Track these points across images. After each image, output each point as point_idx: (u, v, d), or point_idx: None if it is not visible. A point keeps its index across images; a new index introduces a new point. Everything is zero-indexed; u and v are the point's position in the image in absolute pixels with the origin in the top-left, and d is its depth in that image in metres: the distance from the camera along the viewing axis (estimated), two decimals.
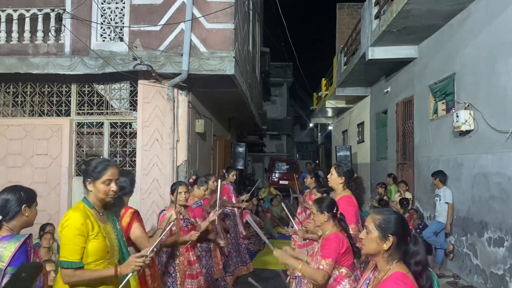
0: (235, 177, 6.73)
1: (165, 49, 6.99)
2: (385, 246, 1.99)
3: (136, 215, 3.23)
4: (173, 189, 4.25)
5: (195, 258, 4.22)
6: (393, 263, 2.00)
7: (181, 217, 4.20)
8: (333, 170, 3.90)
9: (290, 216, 4.83)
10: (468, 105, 6.09)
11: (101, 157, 2.52)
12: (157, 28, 7.03)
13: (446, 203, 6.50)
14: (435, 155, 7.34)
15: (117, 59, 6.91)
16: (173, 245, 4.07)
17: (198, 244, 4.46)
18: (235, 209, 6.75)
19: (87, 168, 2.48)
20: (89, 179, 2.46)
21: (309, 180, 6.39)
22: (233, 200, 6.75)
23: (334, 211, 3.10)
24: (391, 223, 2.01)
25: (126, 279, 2.38)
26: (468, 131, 6.11)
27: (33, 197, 2.54)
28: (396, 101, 9.55)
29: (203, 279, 4.27)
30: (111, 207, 2.66)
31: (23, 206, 2.44)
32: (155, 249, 2.59)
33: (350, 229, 3.24)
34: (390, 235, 1.99)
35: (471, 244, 6.04)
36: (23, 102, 7.66)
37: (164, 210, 4.19)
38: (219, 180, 5.07)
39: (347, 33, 13.77)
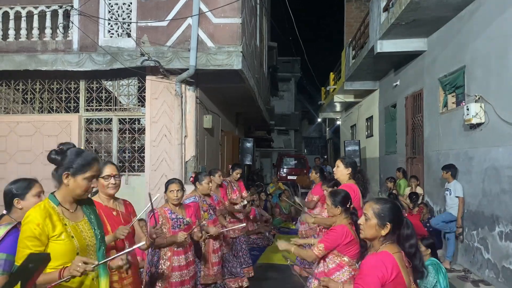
0: (239, 175, 6.57)
1: (172, 44, 6.99)
2: (383, 232, 2.23)
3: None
4: (166, 187, 4.01)
5: (178, 264, 3.87)
6: (385, 244, 2.23)
7: (174, 216, 3.93)
8: (339, 163, 4.07)
9: (301, 205, 4.93)
10: (478, 98, 6.01)
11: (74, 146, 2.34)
12: (164, 23, 7.03)
13: (457, 197, 6.43)
14: (445, 148, 7.27)
15: (124, 55, 6.92)
16: (161, 247, 3.81)
17: (189, 248, 4.06)
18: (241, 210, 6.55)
19: (69, 158, 2.22)
20: (67, 172, 2.19)
21: (314, 175, 6.40)
22: (236, 194, 6.50)
23: (348, 206, 3.33)
24: (389, 211, 2.25)
25: (68, 279, 2.05)
26: (478, 124, 6.03)
27: (24, 188, 2.52)
28: (405, 95, 9.47)
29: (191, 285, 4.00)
30: (88, 203, 2.43)
31: (15, 199, 2.49)
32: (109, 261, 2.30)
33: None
34: (387, 222, 2.22)
35: (482, 238, 5.98)
36: (32, 99, 7.71)
37: (155, 210, 3.75)
38: (214, 176, 5.19)
39: (355, 27, 13.65)
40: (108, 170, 2.98)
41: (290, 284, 5.69)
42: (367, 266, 2.16)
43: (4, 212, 2.59)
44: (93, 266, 2.05)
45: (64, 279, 2.02)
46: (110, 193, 3.01)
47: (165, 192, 4.01)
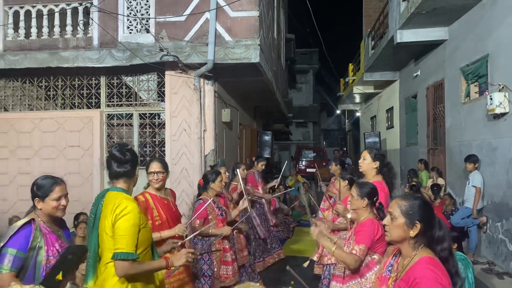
0: (263, 166, 6.73)
1: (190, 39, 7.02)
2: (412, 233, 1.94)
3: None
4: (213, 178, 4.24)
5: (228, 245, 4.27)
6: (419, 248, 1.95)
7: (216, 206, 4.22)
8: (366, 155, 3.72)
9: (316, 205, 4.83)
10: (502, 87, 5.87)
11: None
12: (182, 18, 7.06)
13: (474, 186, 6.32)
14: (468, 139, 7.14)
15: (144, 51, 7.00)
16: (206, 236, 4.11)
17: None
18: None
19: (133, 159, 2.51)
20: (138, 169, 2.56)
21: (334, 167, 6.34)
22: (259, 188, 6.72)
23: (374, 199, 3.05)
24: (418, 209, 1.96)
25: (175, 270, 2.48)
26: (502, 114, 5.90)
27: (45, 191, 2.46)
28: (426, 85, 9.31)
29: (236, 266, 4.35)
30: None
31: (35, 198, 2.48)
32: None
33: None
34: (417, 221, 1.94)
35: (507, 230, 5.87)
36: (55, 95, 7.88)
37: (201, 199, 4.17)
38: (238, 170, 5.13)
39: (374, 17, 13.45)
40: (153, 167, 3.41)
41: (311, 276, 5.70)
42: (429, 282, 1.81)
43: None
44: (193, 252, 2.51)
45: (176, 267, 2.43)
46: (155, 187, 3.44)
47: (211, 181, 4.25)
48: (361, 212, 3.06)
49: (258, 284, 0.99)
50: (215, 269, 4.10)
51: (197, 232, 3.12)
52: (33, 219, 2.40)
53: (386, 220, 2.04)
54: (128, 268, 2.18)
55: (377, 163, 3.66)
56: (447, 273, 1.87)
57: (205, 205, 3.88)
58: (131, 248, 2.19)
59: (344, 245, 3.13)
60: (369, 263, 2.92)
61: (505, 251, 5.91)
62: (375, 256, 2.90)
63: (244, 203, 4.53)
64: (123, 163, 2.42)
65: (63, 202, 2.48)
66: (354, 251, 2.88)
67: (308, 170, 19.25)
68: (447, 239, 1.96)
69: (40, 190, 2.46)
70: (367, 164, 3.69)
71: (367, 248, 2.87)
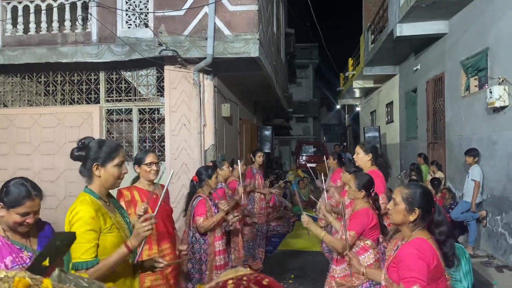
0: (261, 158, 6.64)
1: (189, 33, 7.00)
2: (411, 218, 2.19)
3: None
4: (210, 173, 4.13)
5: (222, 248, 4.09)
6: (416, 230, 2.20)
7: (212, 203, 4.08)
8: (359, 150, 4.00)
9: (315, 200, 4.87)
10: (502, 80, 5.86)
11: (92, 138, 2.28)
12: (181, 12, 7.03)
13: (473, 180, 6.32)
14: (468, 133, 7.13)
15: (143, 46, 6.97)
16: (211, 229, 3.97)
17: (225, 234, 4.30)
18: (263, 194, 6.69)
19: (93, 150, 2.17)
20: (97, 163, 2.15)
21: (332, 161, 6.38)
22: (260, 182, 6.69)
23: (371, 191, 3.27)
24: (417, 197, 2.21)
25: (140, 250, 2.21)
26: (502, 107, 5.89)
27: (13, 201, 2.08)
28: (426, 79, 9.29)
29: (230, 267, 4.22)
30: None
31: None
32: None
33: (380, 199, 3.44)
34: (416, 208, 2.18)
35: (507, 224, 5.88)
36: (54, 91, 7.86)
37: (200, 196, 4.02)
38: (238, 163, 5.15)
39: (373, 10, 13.40)
40: (150, 158, 3.39)
41: (311, 270, 5.73)
42: (410, 257, 2.09)
43: None
44: (152, 221, 2.15)
45: (142, 246, 2.16)
46: (152, 179, 3.42)
47: (209, 177, 4.11)
48: (357, 202, 3.29)
49: (247, 269, 0.99)
50: (206, 274, 3.95)
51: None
52: None
53: (390, 205, 2.31)
54: (91, 274, 1.98)
55: (370, 155, 3.93)
56: (436, 253, 2.11)
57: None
58: (88, 255, 2.00)
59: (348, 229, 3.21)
60: (363, 247, 3.16)
61: (505, 245, 5.92)
62: (368, 242, 3.15)
63: (240, 188, 4.61)
64: (75, 159, 2.19)
65: (29, 219, 2.10)
66: (343, 237, 3.08)
67: (308, 165, 19.25)
68: (445, 224, 2.24)
69: (7, 196, 2.08)
70: (361, 158, 3.98)
71: (357, 235, 3.11)
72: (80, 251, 1.99)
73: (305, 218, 3.34)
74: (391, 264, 2.22)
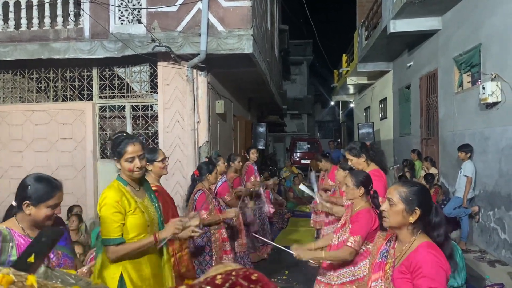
0: (255, 155, 6.72)
1: (182, 29, 6.96)
2: (411, 219, 1.96)
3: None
4: (211, 169, 4.26)
5: (226, 235, 4.29)
6: (417, 234, 1.98)
7: (213, 196, 4.26)
8: (349, 157, 3.78)
9: (312, 188, 4.91)
10: (495, 76, 5.89)
11: (124, 133, 2.58)
12: (174, 8, 6.99)
13: (465, 176, 6.36)
14: (461, 129, 7.17)
15: (136, 42, 6.93)
16: (214, 224, 4.16)
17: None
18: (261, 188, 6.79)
19: (112, 147, 2.52)
20: (115, 158, 2.51)
21: (323, 163, 6.45)
22: (258, 179, 6.72)
23: (369, 188, 3.03)
24: (417, 195, 1.98)
25: (164, 241, 2.51)
26: (495, 103, 5.92)
27: (41, 196, 2.08)
28: (419, 75, 9.32)
29: (234, 254, 4.44)
30: (145, 182, 2.70)
31: (25, 202, 2.06)
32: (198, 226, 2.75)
33: (380, 200, 3.15)
34: (416, 207, 1.95)
35: (499, 219, 5.92)
36: (46, 87, 7.80)
37: (200, 189, 4.13)
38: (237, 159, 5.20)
39: (367, 7, 13.39)
40: (161, 154, 3.45)
41: (305, 266, 5.73)
42: (431, 265, 1.85)
43: (14, 203, 2.15)
44: (185, 222, 2.61)
45: (167, 238, 2.48)
46: (165, 174, 3.53)
47: (209, 173, 4.25)
48: (357, 201, 3.05)
49: (239, 266, 0.98)
50: (214, 259, 4.12)
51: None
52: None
53: (385, 206, 2.04)
54: (114, 252, 2.34)
55: (363, 156, 3.73)
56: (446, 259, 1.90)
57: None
58: (113, 234, 2.34)
59: (336, 232, 3.11)
60: (364, 252, 2.90)
61: (497, 239, 5.97)
62: (369, 246, 2.85)
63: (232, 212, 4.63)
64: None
65: (58, 210, 2.18)
66: (349, 243, 2.84)
67: (303, 161, 19.31)
68: (443, 225, 2.00)
69: (35, 193, 2.06)
70: (355, 163, 3.76)
71: (363, 239, 2.84)
72: (108, 230, 2.34)
73: (296, 251, 3.00)
74: (397, 275, 1.97)
